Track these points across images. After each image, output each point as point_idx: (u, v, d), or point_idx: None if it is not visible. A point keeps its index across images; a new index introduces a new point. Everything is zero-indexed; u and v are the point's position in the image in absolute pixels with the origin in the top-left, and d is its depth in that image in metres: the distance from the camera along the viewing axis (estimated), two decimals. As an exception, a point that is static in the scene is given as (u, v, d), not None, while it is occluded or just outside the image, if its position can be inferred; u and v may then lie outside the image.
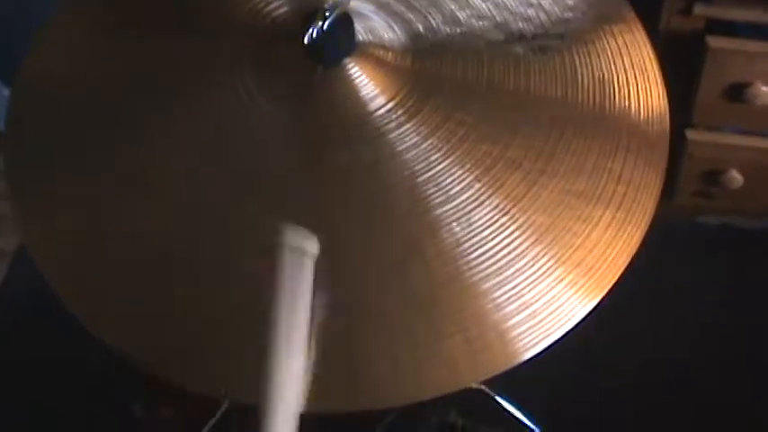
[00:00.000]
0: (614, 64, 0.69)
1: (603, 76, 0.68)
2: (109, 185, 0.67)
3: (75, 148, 0.69)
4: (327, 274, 0.58)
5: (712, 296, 1.26)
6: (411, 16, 0.70)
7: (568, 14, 0.71)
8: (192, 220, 0.64)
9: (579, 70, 0.68)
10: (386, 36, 0.68)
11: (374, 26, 0.68)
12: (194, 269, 0.63)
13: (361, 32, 0.67)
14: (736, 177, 1.42)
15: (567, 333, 0.58)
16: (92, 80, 0.72)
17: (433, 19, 0.70)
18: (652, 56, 0.71)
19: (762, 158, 1.40)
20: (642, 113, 0.67)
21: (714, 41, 1.28)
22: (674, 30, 1.32)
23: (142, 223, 0.65)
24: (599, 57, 0.69)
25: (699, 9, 1.29)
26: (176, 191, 0.65)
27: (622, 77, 0.68)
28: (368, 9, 0.69)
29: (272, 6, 0.70)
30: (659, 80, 0.70)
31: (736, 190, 1.43)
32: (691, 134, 1.39)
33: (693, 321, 1.20)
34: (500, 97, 0.66)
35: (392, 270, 0.60)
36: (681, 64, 1.35)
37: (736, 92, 1.30)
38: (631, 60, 0.70)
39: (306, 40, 0.64)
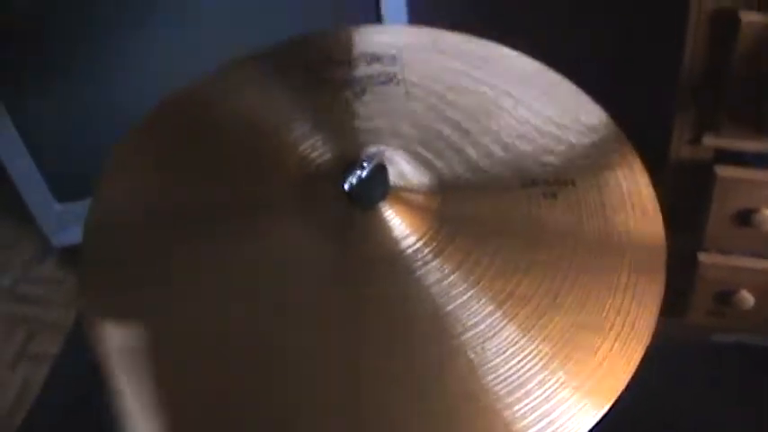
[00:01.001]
0: (617, 207, 0.76)
1: (606, 217, 0.75)
2: (165, 307, 0.74)
3: (140, 267, 0.76)
4: (357, 392, 0.66)
5: (727, 413, 1.28)
6: (438, 163, 0.78)
7: (579, 162, 0.78)
8: (241, 337, 0.71)
9: (585, 212, 0.75)
10: (415, 181, 0.76)
11: (405, 171, 0.76)
12: (244, 383, 0.69)
13: (393, 177, 0.75)
14: (747, 297, 1.46)
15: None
16: (153, 210, 0.80)
17: (458, 166, 0.78)
18: (653, 199, 0.77)
19: (771, 280, 1.46)
20: (641, 252, 0.74)
21: (722, 170, 1.34)
22: (684, 159, 1.38)
23: (195, 343, 0.72)
24: (604, 200, 0.76)
25: (707, 140, 1.35)
26: (226, 313, 0.72)
27: (624, 219, 0.75)
28: (400, 156, 0.78)
29: (317, 153, 0.79)
30: (659, 221, 0.76)
31: (747, 310, 1.48)
32: (702, 257, 1.44)
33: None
34: (513, 237, 0.73)
35: (414, 390, 0.67)
36: (691, 190, 1.42)
37: (744, 217, 1.34)
38: (633, 203, 0.76)
39: (346, 187, 0.73)
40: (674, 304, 1.56)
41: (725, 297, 1.48)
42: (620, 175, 0.78)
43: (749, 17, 1.18)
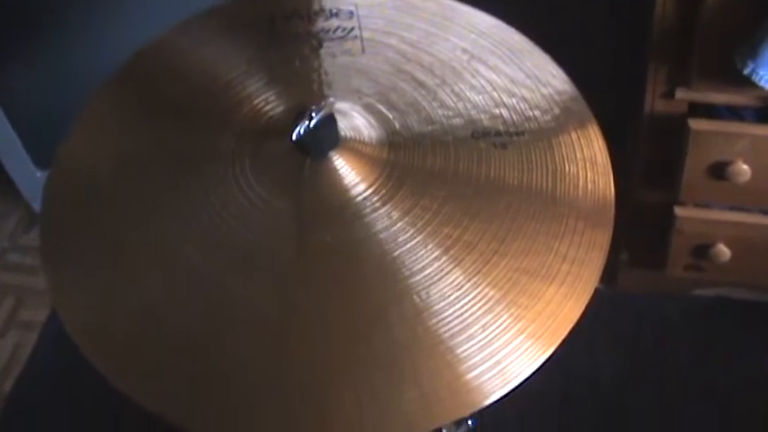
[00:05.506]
0: (567, 158, 0.77)
1: (556, 167, 0.76)
2: (129, 258, 0.76)
3: (101, 226, 0.78)
4: (303, 333, 0.67)
5: (710, 364, 1.30)
6: (390, 115, 0.79)
7: (530, 114, 0.79)
8: (200, 285, 0.73)
9: (535, 162, 0.76)
10: (366, 132, 0.77)
11: (357, 124, 0.78)
12: (199, 326, 0.71)
13: (344, 129, 0.76)
14: (723, 251, 1.47)
15: (511, 392, 0.66)
16: (115, 167, 0.81)
17: (410, 117, 0.79)
18: (604, 151, 0.78)
19: (747, 232, 1.45)
20: (589, 200, 0.75)
21: (695, 124, 1.34)
22: (659, 113, 1.38)
23: (157, 291, 0.73)
24: (554, 151, 0.77)
25: (680, 93, 1.36)
26: (186, 263, 0.74)
27: (573, 169, 0.76)
28: (353, 109, 0.79)
29: (270, 106, 0.80)
30: (608, 172, 0.77)
31: (725, 263, 1.48)
32: (679, 211, 1.44)
33: (694, 387, 1.25)
34: (462, 186, 0.74)
35: (360, 332, 0.68)
36: (666, 145, 1.42)
37: (719, 170, 1.35)
38: (584, 155, 0.77)
39: (294, 137, 0.74)
40: (652, 259, 1.57)
41: (702, 251, 1.49)
42: (571, 127, 0.79)
43: (718, -31, 1.18)
